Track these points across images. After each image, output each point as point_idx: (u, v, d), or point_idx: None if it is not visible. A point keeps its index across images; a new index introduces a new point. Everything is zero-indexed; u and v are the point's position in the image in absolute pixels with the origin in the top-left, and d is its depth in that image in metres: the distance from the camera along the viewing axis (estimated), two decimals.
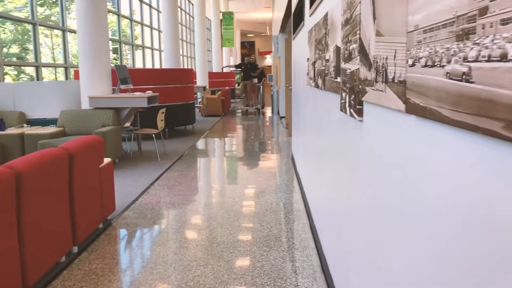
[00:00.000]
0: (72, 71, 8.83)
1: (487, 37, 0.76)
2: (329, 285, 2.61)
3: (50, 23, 9.03)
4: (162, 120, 6.95)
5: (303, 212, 4.08)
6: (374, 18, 1.50)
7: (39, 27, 7.82)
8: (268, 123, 11.89)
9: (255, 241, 3.40)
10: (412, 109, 1.13)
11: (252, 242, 3.38)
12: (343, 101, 2.11)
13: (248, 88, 14.47)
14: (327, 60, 2.64)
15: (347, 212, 2.16)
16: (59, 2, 8.73)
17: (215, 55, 22.20)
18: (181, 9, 17.79)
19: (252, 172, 6.01)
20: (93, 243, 3.38)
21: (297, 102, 5.71)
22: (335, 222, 2.52)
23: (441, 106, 0.95)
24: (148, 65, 14.16)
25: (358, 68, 1.72)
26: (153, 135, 6.98)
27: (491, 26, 0.74)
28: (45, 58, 8.60)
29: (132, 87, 6.94)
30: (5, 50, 8.03)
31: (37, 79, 7.78)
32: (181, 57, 13.67)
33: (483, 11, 0.77)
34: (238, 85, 20.12)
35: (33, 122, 6.51)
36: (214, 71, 21.22)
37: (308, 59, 3.98)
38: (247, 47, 35.78)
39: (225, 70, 21.41)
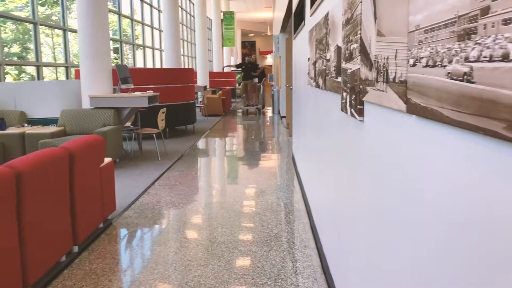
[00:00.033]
0: (73, 70, 8.84)
1: (489, 37, 0.75)
2: (330, 285, 2.61)
3: (51, 22, 9.04)
4: (162, 120, 6.95)
5: (303, 212, 4.08)
6: (375, 18, 1.50)
7: (40, 26, 7.83)
8: (268, 123, 11.89)
9: (256, 241, 3.40)
10: (413, 109, 1.13)
11: (252, 242, 3.38)
12: (343, 101, 2.11)
13: (248, 88, 14.46)
14: (328, 60, 2.64)
15: (347, 212, 2.16)
16: (60, 1, 8.74)
17: (216, 54, 22.21)
18: (182, 8, 17.79)
19: (252, 172, 6.01)
20: (94, 242, 3.39)
21: (298, 102, 5.71)
22: (335, 222, 2.52)
23: (442, 106, 0.94)
24: (149, 65, 14.16)
25: (359, 68, 1.72)
26: (154, 135, 6.99)
27: (492, 26, 0.74)
28: (46, 57, 8.61)
29: (132, 86, 6.94)
30: (6, 49, 8.04)
31: (38, 79, 7.79)
32: (181, 56, 13.68)
33: (485, 11, 0.76)
34: (239, 85, 20.08)
35: (33, 122, 6.51)
36: (214, 70, 21.23)
37: (308, 58, 3.98)
38: (248, 46, 35.79)
39: (225, 69, 21.41)
